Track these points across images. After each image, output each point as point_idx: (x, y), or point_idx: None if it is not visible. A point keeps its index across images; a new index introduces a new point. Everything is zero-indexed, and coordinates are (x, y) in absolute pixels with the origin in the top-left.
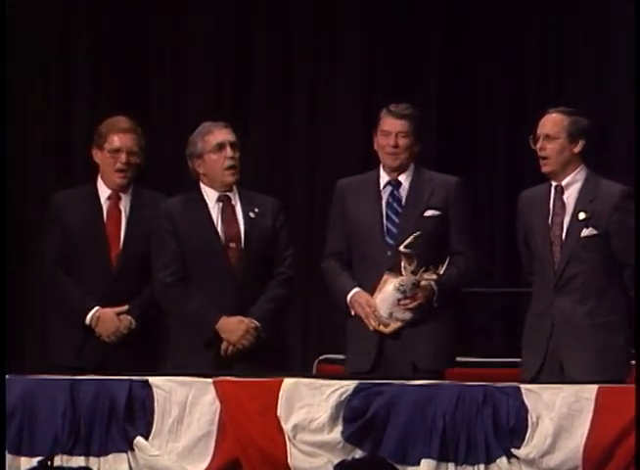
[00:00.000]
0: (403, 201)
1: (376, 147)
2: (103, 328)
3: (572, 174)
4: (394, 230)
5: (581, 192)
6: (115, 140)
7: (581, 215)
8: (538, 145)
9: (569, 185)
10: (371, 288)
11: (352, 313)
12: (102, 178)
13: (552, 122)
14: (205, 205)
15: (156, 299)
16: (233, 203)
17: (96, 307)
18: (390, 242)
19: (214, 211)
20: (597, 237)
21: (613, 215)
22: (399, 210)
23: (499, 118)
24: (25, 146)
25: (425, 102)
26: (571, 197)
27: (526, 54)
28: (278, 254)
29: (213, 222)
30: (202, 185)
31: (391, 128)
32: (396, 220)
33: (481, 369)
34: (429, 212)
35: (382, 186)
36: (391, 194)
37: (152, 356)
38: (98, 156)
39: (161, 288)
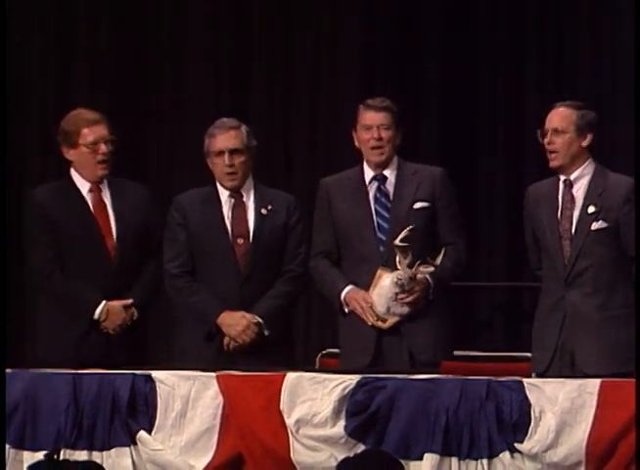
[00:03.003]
0: (391, 195)
1: (357, 143)
2: (111, 321)
3: (581, 168)
4: (385, 225)
5: (590, 185)
6: (89, 134)
7: (591, 209)
8: (546, 139)
9: (577, 179)
10: (365, 284)
11: (346, 311)
12: (78, 172)
13: (560, 116)
14: (218, 199)
15: (154, 287)
16: (245, 199)
17: (104, 302)
18: (382, 237)
19: (226, 206)
20: (607, 230)
21: (622, 208)
22: (388, 204)
23: (500, 116)
24: (25, 145)
25: (425, 101)
26: (580, 190)
27: (527, 50)
28: (290, 250)
29: (224, 218)
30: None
31: (372, 122)
32: (386, 215)
33: (484, 363)
34: (418, 205)
35: (367, 182)
36: (378, 189)
37: (146, 347)
38: (70, 153)
39: (168, 279)
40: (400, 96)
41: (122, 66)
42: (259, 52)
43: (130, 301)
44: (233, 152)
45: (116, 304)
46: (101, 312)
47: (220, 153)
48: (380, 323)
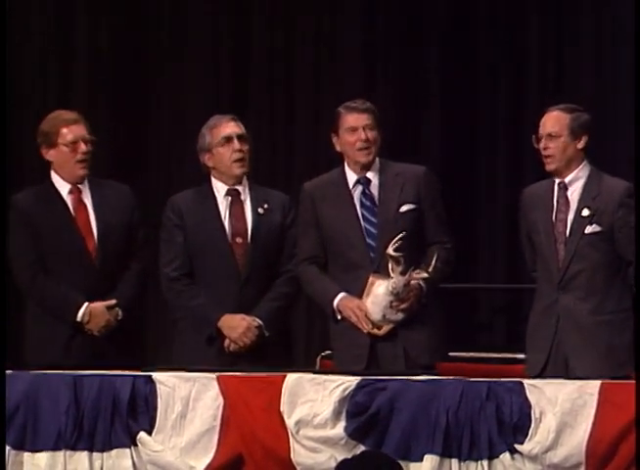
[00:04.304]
0: (376, 199)
1: (340, 147)
2: (94, 323)
3: (576, 171)
4: (373, 231)
5: (585, 189)
6: (68, 133)
7: (585, 212)
8: (542, 144)
9: (572, 182)
10: (355, 291)
11: (339, 318)
12: (58, 174)
13: (553, 121)
14: (214, 199)
15: (139, 287)
16: (242, 198)
17: (86, 303)
18: (372, 244)
19: (223, 205)
20: (601, 234)
21: (617, 212)
22: (375, 209)
23: (499, 117)
24: (25, 144)
25: (425, 101)
26: (574, 193)
27: (527, 50)
28: (286, 250)
29: (221, 217)
30: (212, 179)
31: (357, 123)
32: (373, 220)
33: (484, 365)
34: (404, 208)
35: (351, 186)
36: (363, 193)
37: (139, 347)
38: (50, 154)
39: (167, 282)
40: (400, 96)
41: (122, 66)
42: (259, 52)
43: (114, 301)
44: (240, 137)
45: (99, 305)
46: (83, 314)
47: (228, 140)
48: (375, 330)
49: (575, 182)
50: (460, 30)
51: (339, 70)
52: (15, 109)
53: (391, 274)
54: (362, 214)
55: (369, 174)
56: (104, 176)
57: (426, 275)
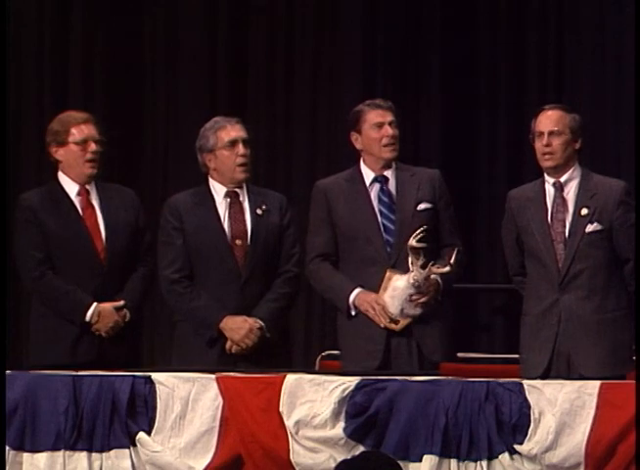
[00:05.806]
0: (394, 196)
1: (362, 145)
2: (103, 323)
3: (570, 171)
4: (391, 226)
5: (580, 188)
6: (78, 132)
7: (584, 211)
8: (544, 141)
9: (567, 181)
10: (371, 286)
11: (353, 313)
12: (67, 174)
13: (554, 119)
14: (213, 201)
15: (146, 288)
16: (241, 199)
17: (94, 304)
18: (389, 239)
19: (222, 207)
20: (601, 232)
21: (616, 211)
22: (393, 206)
23: (500, 118)
24: (22, 145)
25: (425, 101)
26: (570, 193)
27: (527, 50)
28: (285, 251)
29: (220, 219)
30: (210, 180)
31: (384, 119)
32: (391, 216)
33: (484, 365)
34: (422, 206)
35: (368, 183)
36: (381, 190)
37: (141, 348)
38: (59, 152)
39: (167, 285)
40: (401, 96)
41: (119, 66)
42: (258, 52)
43: (122, 302)
44: (245, 142)
45: (108, 305)
46: (92, 314)
47: (233, 143)
48: (392, 325)
49: (570, 182)
50: (460, 30)
51: (339, 70)
52: (14, 108)
53: (411, 267)
54: (380, 211)
55: (387, 173)
56: (101, 177)
57: (448, 269)
